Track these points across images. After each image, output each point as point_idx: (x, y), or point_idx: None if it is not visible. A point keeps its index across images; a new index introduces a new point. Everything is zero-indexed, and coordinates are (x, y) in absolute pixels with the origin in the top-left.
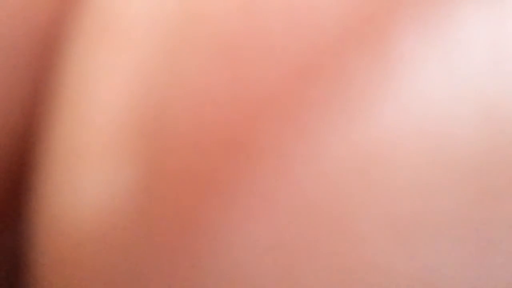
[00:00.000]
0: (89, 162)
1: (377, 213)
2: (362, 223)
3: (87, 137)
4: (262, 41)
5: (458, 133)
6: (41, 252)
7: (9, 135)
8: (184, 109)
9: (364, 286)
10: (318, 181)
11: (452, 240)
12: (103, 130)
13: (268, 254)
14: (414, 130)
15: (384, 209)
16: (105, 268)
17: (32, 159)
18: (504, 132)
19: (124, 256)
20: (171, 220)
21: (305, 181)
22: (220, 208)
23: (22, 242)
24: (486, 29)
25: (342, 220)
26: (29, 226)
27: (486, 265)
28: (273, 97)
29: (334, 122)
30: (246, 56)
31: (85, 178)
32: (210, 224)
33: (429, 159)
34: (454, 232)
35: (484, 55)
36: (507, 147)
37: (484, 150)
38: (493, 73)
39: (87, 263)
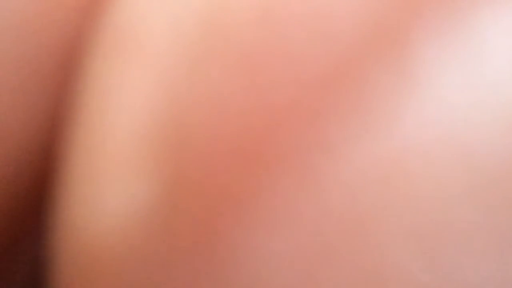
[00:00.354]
0: (111, 174)
1: (399, 224)
2: (384, 235)
3: (109, 149)
4: (281, 50)
5: (480, 141)
6: (61, 263)
7: (33, 147)
8: (205, 120)
9: None
10: (338, 192)
11: (475, 251)
12: (125, 142)
13: (288, 266)
14: (436, 139)
15: (406, 220)
16: (126, 280)
17: (56, 170)
18: None
19: (144, 269)
20: (192, 232)
21: (325, 192)
22: (240, 220)
23: (43, 251)
24: (507, 36)
25: (363, 232)
26: (50, 236)
27: (508, 274)
28: (293, 107)
29: (354, 131)
30: (265, 66)
31: (107, 190)
32: (230, 235)
33: (452, 168)
34: (477, 243)
35: (504, 62)
36: None
37: (506, 158)
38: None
39: (108, 275)
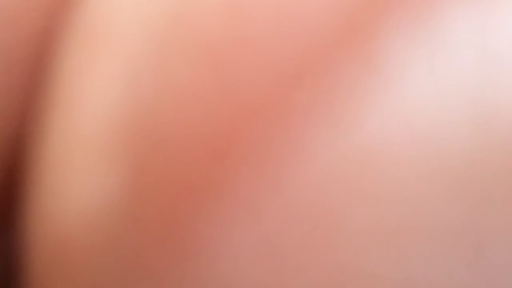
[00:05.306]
0: (78, 167)
1: (365, 221)
2: (350, 231)
3: (77, 142)
4: (250, 47)
5: (449, 141)
6: (32, 256)
7: (2, 140)
8: (172, 115)
9: None
10: (305, 188)
11: (441, 248)
12: (92, 135)
13: (255, 260)
14: (402, 136)
15: (372, 217)
16: (93, 271)
17: (23, 164)
18: (494, 138)
19: (112, 260)
20: (157, 225)
21: (292, 188)
22: (206, 214)
23: (13, 246)
24: (475, 32)
25: (329, 228)
26: (20, 230)
27: (476, 273)
28: (260, 103)
29: (322, 128)
30: (233, 62)
31: (74, 183)
32: (196, 229)
33: (418, 165)
34: (443, 241)
35: (472, 59)
36: (496, 153)
37: (473, 156)
38: (482, 78)
39: (76, 266)
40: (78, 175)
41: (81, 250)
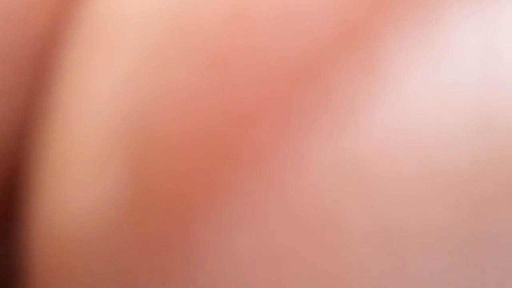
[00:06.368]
0: (79, 169)
1: (366, 224)
2: (351, 234)
3: (76, 144)
4: (249, 48)
5: (447, 142)
6: (32, 257)
7: (3, 143)
8: (172, 117)
9: None
10: (306, 191)
11: (441, 252)
12: (91, 137)
13: (256, 264)
14: (403, 139)
15: (372, 220)
16: (92, 272)
17: (24, 165)
18: (495, 142)
19: (111, 260)
20: (157, 226)
21: (293, 191)
22: (205, 218)
23: (14, 247)
24: (477, 35)
25: (330, 231)
26: (20, 231)
27: (476, 277)
28: (261, 105)
29: (322, 132)
30: (234, 64)
31: (74, 185)
32: (195, 232)
33: (419, 168)
34: (443, 244)
35: (474, 62)
36: (496, 157)
37: (474, 160)
38: (484, 80)
39: (76, 267)
40: (77, 177)
41: (79, 252)
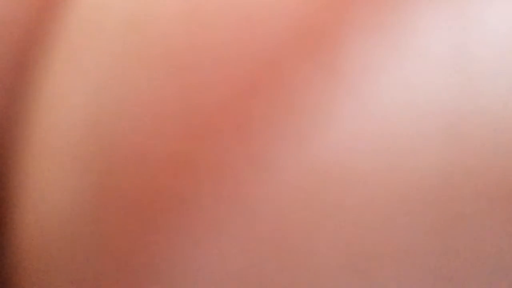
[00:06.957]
0: (50, 173)
1: (331, 240)
2: (315, 252)
3: (48, 148)
4: (209, 51)
5: (417, 150)
6: (15, 258)
7: None
8: (131, 121)
9: None
10: (267, 203)
11: (412, 271)
12: (62, 143)
13: (215, 280)
14: (371, 148)
15: (338, 236)
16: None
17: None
18: (466, 148)
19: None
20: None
21: (254, 203)
22: (168, 222)
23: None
24: (447, 36)
25: (293, 248)
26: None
27: None
28: (222, 109)
29: (284, 139)
30: (193, 68)
31: (48, 188)
32: (159, 236)
33: (387, 180)
34: (413, 261)
35: (444, 64)
36: (468, 164)
37: (444, 168)
38: (455, 83)
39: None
40: (51, 181)
41: (53, 256)
